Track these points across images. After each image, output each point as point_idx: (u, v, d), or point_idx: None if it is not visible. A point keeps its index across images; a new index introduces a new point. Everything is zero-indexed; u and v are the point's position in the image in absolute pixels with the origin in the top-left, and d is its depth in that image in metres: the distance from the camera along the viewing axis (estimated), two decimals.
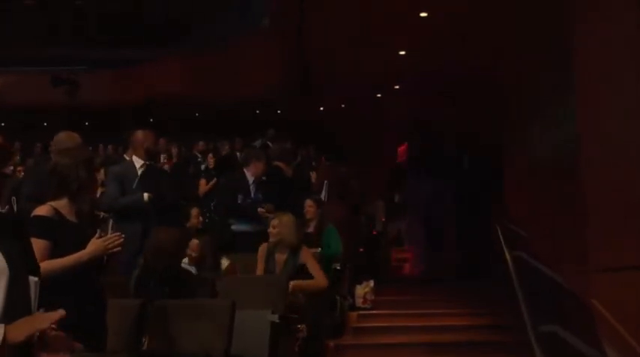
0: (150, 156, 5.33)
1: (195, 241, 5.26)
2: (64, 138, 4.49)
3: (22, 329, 1.78)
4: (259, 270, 5.11)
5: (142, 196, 5.02)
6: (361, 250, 8.21)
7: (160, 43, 15.62)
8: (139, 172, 5.20)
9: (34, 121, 14.35)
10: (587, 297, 4.76)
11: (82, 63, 15.06)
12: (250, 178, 6.44)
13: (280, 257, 5.07)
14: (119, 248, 3.03)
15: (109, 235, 3.05)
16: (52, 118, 11.00)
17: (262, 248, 5.17)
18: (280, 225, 5.09)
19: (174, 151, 9.79)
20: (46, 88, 14.35)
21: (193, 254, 5.19)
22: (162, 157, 8.44)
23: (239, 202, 6.25)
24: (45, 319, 1.81)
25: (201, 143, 11.18)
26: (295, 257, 5.05)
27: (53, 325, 1.84)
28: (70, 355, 1.87)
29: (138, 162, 5.26)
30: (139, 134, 5.35)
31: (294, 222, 5.14)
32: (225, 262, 5.38)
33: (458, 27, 7.01)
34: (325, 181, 8.15)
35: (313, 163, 9.74)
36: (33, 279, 1.95)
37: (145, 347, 3.60)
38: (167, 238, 4.32)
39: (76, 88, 14.48)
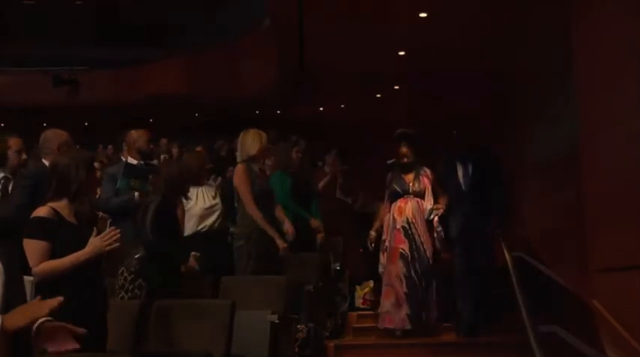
0: (143, 156, 5.28)
1: None
2: (51, 136, 4.44)
3: (19, 317, 1.77)
4: (245, 191, 4.94)
5: (134, 195, 4.98)
6: (361, 250, 8.20)
7: (159, 43, 15.66)
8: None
9: (34, 121, 14.35)
10: (587, 297, 4.76)
11: (82, 63, 15.10)
12: None
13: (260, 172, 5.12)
14: (118, 244, 3.02)
15: (105, 232, 3.04)
16: (52, 118, 10.97)
17: (244, 169, 4.99)
18: (242, 140, 5.09)
19: (174, 150, 9.76)
20: (46, 88, 14.36)
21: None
22: (163, 158, 8.42)
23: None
24: (42, 307, 1.80)
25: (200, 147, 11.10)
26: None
27: (49, 318, 1.83)
28: (76, 341, 1.85)
29: (132, 162, 5.22)
30: (132, 134, 5.33)
31: (255, 134, 5.05)
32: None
33: (458, 27, 7.00)
34: (361, 193, 8.19)
35: (319, 163, 9.68)
36: (28, 278, 1.95)
37: (145, 347, 3.60)
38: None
39: (77, 87, 14.51)
